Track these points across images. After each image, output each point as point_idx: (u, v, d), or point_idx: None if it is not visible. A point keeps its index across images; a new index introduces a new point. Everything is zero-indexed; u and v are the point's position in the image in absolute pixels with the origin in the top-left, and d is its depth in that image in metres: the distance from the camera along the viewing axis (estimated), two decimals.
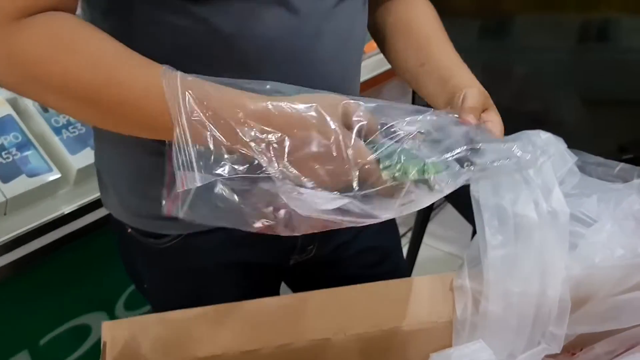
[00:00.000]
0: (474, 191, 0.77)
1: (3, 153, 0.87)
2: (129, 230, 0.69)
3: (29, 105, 0.94)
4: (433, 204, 1.31)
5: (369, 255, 0.81)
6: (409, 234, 1.95)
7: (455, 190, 0.75)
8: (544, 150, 0.80)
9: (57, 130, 0.93)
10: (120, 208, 0.69)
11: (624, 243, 0.72)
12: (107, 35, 0.49)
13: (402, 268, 0.88)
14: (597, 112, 1.23)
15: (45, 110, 0.94)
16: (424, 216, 1.27)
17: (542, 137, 0.82)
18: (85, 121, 0.70)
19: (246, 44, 0.55)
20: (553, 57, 1.21)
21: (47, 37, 0.47)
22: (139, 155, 0.64)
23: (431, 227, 1.97)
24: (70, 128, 0.94)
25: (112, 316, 1.08)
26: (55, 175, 0.90)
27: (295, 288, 0.86)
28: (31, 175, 0.88)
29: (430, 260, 1.78)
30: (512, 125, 0.82)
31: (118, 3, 0.56)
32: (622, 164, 0.89)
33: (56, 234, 0.90)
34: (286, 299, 0.75)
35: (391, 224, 0.85)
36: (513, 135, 0.82)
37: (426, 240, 1.85)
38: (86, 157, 0.92)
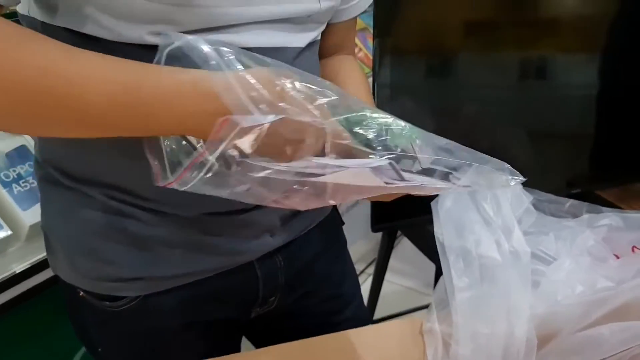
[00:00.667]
0: (438, 234, 0.78)
1: None
2: (81, 293, 0.66)
3: None
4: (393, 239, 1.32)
5: (331, 303, 0.81)
6: (369, 269, 1.96)
7: (415, 227, 0.76)
8: (502, 192, 0.84)
9: (7, 184, 0.89)
10: (70, 271, 0.65)
11: (583, 279, 0.75)
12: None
13: (364, 313, 0.88)
14: (544, 148, 1.29)
15: None
16: (387, 251, 1.29)
17: None
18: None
19: None
20: (497, 94, 1.26)
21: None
22: (92, 216, 0.62)
23: (390, 261, 1.99)
24: (21, 182, 0.90)
25: None
26: (5, 233, 0.86)
27: (257, 342, 0.84)
28: None
29: (391, 295, 1.78)
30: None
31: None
32: (571, 200, 0.94)
33: (6, 295, 0.86)
34: (252, 355, 0.73)
35: (350, 273, 0.85)
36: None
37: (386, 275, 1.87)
38: (39, 212, 0.87)
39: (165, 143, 0.47)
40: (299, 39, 0.62)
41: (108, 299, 0.65)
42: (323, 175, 0.46)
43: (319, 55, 0.77)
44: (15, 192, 0.89)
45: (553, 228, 0.84)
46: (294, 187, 0.46)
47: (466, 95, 1.21)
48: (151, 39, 0.52)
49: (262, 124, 0.41)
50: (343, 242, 0.85)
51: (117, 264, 0.63)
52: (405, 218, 0.95)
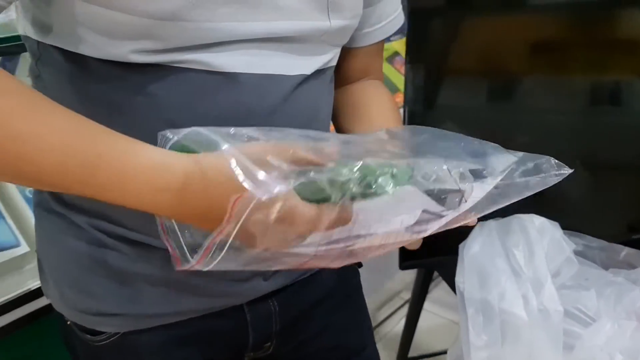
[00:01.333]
0: (459, 281, 0.71)
1: None
2: (68, 322, 0.64)
3: None
4: (433, 273, 1.24)
5: (334, 354, 0.74)
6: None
7: (445, 266, 0.69)
8: (538, 239, 0.75)
9: (30, 202, 0.90)
10: (58, 299, 0.63)
11: (625, 347, 0.65)
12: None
13: None
14: (605, 183, 1.17)
15: None
16: (422, 287, 1.21)
17: (536, 223, 0.76)
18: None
19: (192, 119, 0.49)
20: (561, 120, 1.17)
21: None
22: (76, 245, 0.60)
23: (435, 293, 1.89)
24: None
25: None
26: (23, 250, 0.86)
27: None
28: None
29: (432, 327, 1.69)
30: None
31: (49, 69, 0.54)
32: (627, 249, 0.83)
33: (21, 311, 0.86)
34: None
35: (359, 321, 0.78)
36: (504, 220, 0.77)
37: (428, 306, 1.78)
38: None
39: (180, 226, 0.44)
40: (304, 63, 0.57)
41: (89, 332, 0.63)
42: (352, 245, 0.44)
43: (343, 82, 0.72)
44: None
45: (597, 283, 0.74)
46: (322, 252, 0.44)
47: (528, 121, 1.13)
48: (135, 57, 0.49)
49: (277, 193, 0.37)
50: (354, 286, 0.78)
51: (97, 297, 0.60)
52: (434, 256, 0.87)
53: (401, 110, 0.97)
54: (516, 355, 0.64)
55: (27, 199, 0.90)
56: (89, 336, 0.62)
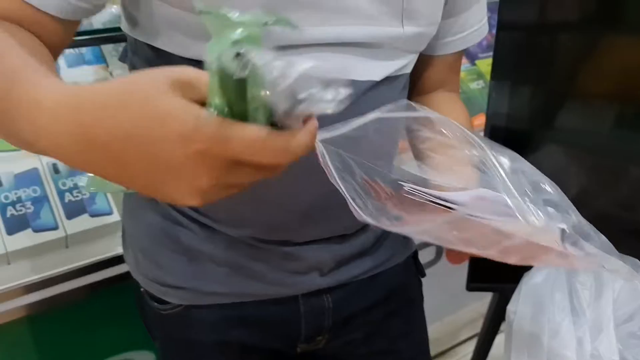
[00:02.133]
0: (510, 311, 0.68)
1: (74, 191, 0.94)
2: (142, 289, 0.70)
3: None
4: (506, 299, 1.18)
5: (382, 358, 0.74)
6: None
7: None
8: (610, 279, 0.69)
9: None
10: (134, 266, 0.70)
11: None
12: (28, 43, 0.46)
13: None
14: None
15: None
16: (495, 313, 1.15)
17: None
18: None
19: None
20: None
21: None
22: (153, 219, 0.66)
23: None
24: None
25: (158, 357, 1.11)
26: (114, 218, 0.95)
27: None
28: (94, 215, 0.94)
29: None
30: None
31: (144, 64, 0.59)
32: None
33: (109, 272, 0.95)
34: None
35: (414, 329, 0.77)
36: None
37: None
38: None
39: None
40: (373, 69, 0.57)
41: (157, 301, 0.69)
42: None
43: (419, 91, 0.71)
44: None
45: None
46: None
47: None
48: None
49: None
50: (414, 295, 0.78)
51: (165, 269, 0.66)
52: (503, 282, 0.83)
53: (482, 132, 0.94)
54: None
55: None
56: (156, 304, 0.68)
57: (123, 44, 1.11)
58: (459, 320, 1.74)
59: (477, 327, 1.78)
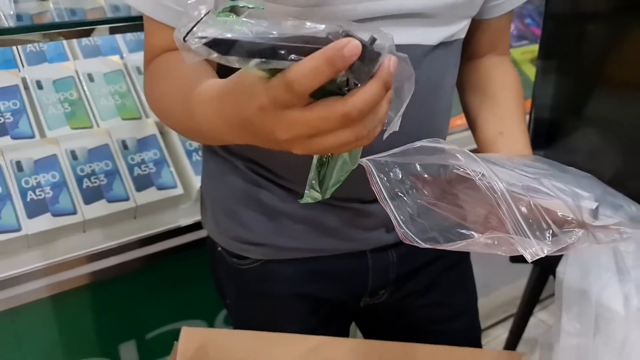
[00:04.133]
0: (560, 272, 0.73)
1: (142, 166, 1.01)
2: (219, 248, 0.77)
3: None
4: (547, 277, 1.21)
5: (439, 310, 0.80)
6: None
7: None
8: None
9: (189, 153, 1.06)
10: (214, 228, 0.77)
11: None
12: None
13: (474, 331, 0.85)
14: None
15: None
16: (535, 286, 1.20)
17: None
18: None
19: None
20: None
21: (152, 71, 0.60)
22: (235, 181, 0.72)
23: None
24: (200, 152, 1.06)
25: (211, 326, 1.18)
26: (179, 192, 1.02)
27: (364, 330, 0.88)
28: (160, 188, 1.01)
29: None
30: None
31: None
32: None
33: (172, 242, 1.02)
34: (353, 343, 0.77)
35: (467, 284, 0.84)
36: None
37: (544, 317, 1.72)
38: None
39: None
40: (430, 35, 0.63)
41: (236, 257, 0.75)
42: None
43: (470, 55, 0.76)
44: (194, 160, 1.06)
45: None
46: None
47: None
48: None
49: None
50: (465, 254, 0.84)
51: (248, 227, 0.73)
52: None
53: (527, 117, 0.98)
54: (607, 349, 0.65)
55: (187, 152, 1.07)
56: (235, 260, 0.75)
57: None
58: (492, 303, 1.79)
59: (508, 311, 1.83)
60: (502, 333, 1.70)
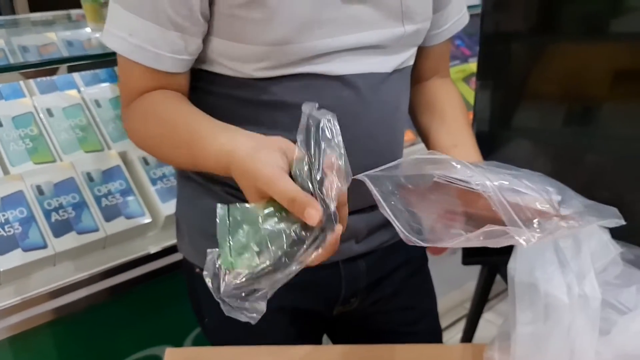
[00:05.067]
0: (510, 268, 0.82)
1: (109, 197, 1.04)
2: (197, 270, 0.81)
3: (135, 158, 1.11)
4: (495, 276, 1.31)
5: (404, 313, 0.87)
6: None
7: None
8: (586, 239, 0.85)
9: (154, 181, 1.09)
10: (192, 251, 0.81)
11: None
12: (180, 104, 0.68)
13: (436, 331, 0.93)
14: None
15: (146, 162, 1.11)
16: (484, 287, 1.30)
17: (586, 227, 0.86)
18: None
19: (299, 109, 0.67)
20: (636, 148, 1.22)
21: (138, 112, 0.68)
22: (212, 204, 0.76)
23: (500, 307, 1.95)
24: (164, 180, 1.10)
25: None
26: (147, 220, 1.05)
27: (335, 338, 0.93)
28: (128, 217, 1.03)
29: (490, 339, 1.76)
30: None
31: (200, 83, 0.72)
32: None
33: (140, 270, 1.05)
34: (331, 350, 0.83)
35: (428, 288, 0.91)
36: None
37: (491, 317, 1.83)
38: (174, 206, 1.06)
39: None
40: (385, 64, 0.71)
41: None
42: None
43: (417, 79, 0.84)
44: (159, 187, 1.09)
45: (638, 281, 0.83)
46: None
47: (604, 147, 1.19)
48: (257, 74, 0.66)
49: None
50: (424, 260, 0.91)
51: None
52: (497, 255, 0.96)
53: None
54: (556, 333, 0.74)
55: (152, 180, 1.10)
56: None
57: None
58: (442, 307, 1.89)
59: (458, 314, 1.93)
60: (454, 335, 1.80)
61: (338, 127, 0.53)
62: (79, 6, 1.27)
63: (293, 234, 0.51)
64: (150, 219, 1.05)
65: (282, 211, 0.51)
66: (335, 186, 0.51)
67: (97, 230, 1.00)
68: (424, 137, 0.83)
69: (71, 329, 1.02)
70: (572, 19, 1.06)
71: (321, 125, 0.52)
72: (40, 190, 0.99)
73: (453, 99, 0.84)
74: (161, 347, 1.19)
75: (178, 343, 1.20)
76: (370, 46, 0.69)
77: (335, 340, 0.93)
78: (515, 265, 0.82)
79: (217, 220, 0.54)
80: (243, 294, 0.51)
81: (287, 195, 0.51)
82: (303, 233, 0.51)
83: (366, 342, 0.80)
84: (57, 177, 1.02)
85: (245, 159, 0.55)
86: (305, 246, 0.51)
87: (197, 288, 0.83)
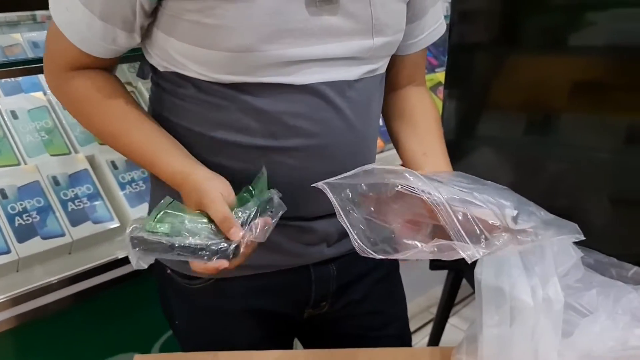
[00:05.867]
0: (477, 273, 0.84)
1: (76, 201, 1.02)
2: (169, 271, 0.80)
3: (103, 162, 1.10)
4: (461, 280, 1.34)
5: (375, 317, 0.88)
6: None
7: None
8: (549, 244, 0.88)
9: (123, 186, 1.08)
10: None
11: (617, 336, 0.76)
12: (125, 98, 0.72)
13: (406, 336, 0.94)
14: (628, 214, 1.27)
15: (115, 167, 1.10)
16: (450, 291, 1.32)
17: None
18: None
19: (277, 117, 0.68)
20: (594, 156, 1.26)
21: (92, 85, 0.70)
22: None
23: (464, 312, 1.99)
24: (133, 184, 1.08)
25: None
26: (115, 224, 1.04)
27: (304, 341, 0.94)
28: (96, 222, 1.02)
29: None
30: None
31: (170, 85, 0.72)
32: (636, 268, 0.93)
33: (110, 275, 1.03)
34: (300, 354, 0.83)
35: (398, 293, 0.92)
36: None
37: (456, 322, 1.87)
38: (143, 210, 1.05)
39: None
40: (352, 72, 0.72)
41: (187, 278, 0.79)
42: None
43: (393, 87, 0.85)
44: (128, 192, 1.08)
45: (599, 285, 0.86)
46: None
47: (563, 155, 1.23)
48: (225, 78, 0.67)
49: None
50: (394, 265, 0.93)
51: None
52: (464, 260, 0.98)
53: None
54: (521, 335, 0.76)
55: (120, 184, 1.08)
56: (187, 281, 0.78)
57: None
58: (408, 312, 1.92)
59: (424, 319, 1.96)
60: (421, 339, 1.83)
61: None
62: (44, 7, 1.24)
63: (204, 238, 0.62)
64: (119, 223, 1.04)
65: (210, 224, 0.63)
66: (257, 232, 0.63)
67: (62, 235, 0.98)
68: (396, 143, 0.84)
69: (35, 336, 1.00)
70: (533, 32, 1.10)
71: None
72: (3, 194, 0.97)
73: (426, 107, 0.85)
74: (128, 354, 1.17)
75: (146, 350, 1.18)
76: (339, 57, 0.70)
77: (306, 344, 0.94)
78: (482, 270, 0.84)
79: (160, 202, 0.65)
80: (139, 247, 0.61)
81: (223, 215, 0.62)
82: (209, 243, 0.61)
83: (336, 346, 0.80)
84: (21, 181, 0.99)
85: (202, 180, 0.66)
86: (203, 252, 0.61)
87: (168, 290, 0.83)
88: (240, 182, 0.68)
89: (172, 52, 0.68)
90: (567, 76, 1.15)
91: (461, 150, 1.13)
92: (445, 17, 0.90)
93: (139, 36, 0.69)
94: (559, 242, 0.88)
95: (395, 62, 0.82)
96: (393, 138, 0.85)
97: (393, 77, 0.84)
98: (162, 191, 0.79)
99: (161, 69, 0.72)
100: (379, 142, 1.60)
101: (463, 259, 0.89)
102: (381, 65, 0.77)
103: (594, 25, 1.12)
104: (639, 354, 0.73)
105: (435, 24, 0.84)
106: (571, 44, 1.15)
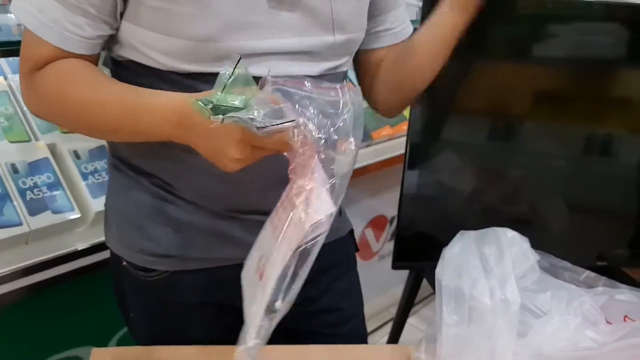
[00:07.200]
0: (438, 273, 0.86)
1: (35, 190, 0.99)
2: (124, 263, 0.79)
3: (64, 150, 1.07)
4: (421, 281, 1.36)
5: (329, 314, 0.88)
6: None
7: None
8: (507, 247, 0.90)
9: (85, 176, 1.06)
10: (119, 243, 0.79)
11: (568, 336, 0.79)
12: (97, 71, 0.68)
13: (362, 334, 0.95)
14: (583, 220, 1.31)
15: (77, 156, 1.07)
16: (411, 291, 1.34)
17: (508, 235, 0.92)
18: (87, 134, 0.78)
19: None
20: (553, 163, 1.30)
21: (54, 73, 0.66)
22: (142, 197, 0.75)
23: (423, 312, 2.03)
24: (96, 175, 1.06)
25: None
26: (75, 215, 1.01)
27: None
28: (55, 212, 0.99)
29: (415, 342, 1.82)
30: (497, 223, 0.92)
31: (129, 74, 0.71)
32: (587, 272, 0.97)
33: (68, 266, 1.01)
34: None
35: (355, 291, 0.93)
36: (482, 230, 0.92)
37: (415, 322, 1.90)
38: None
39: None
40: (313, 67, 0.72)
41: (143, 270, 0.78)
42: None
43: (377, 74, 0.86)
44: (90, 182, 1.05)
45: (553, 287, 0.89)
46: None
47: (522, 162, 1.26)
48: (183, 67, 0.67)
49: None
50: (353, 263, 0.94)
51: (154, 240, 0.76)
52: (427, 260, 1.00)
53: (404, 139, 1.12)
54: (479, 335, 0.78)
55: (82, 175, 1.06)
56: (142, 272, 0.77)
57: None
58: (367, 312, 1.94)
59: (383, 319, 1.98)
60: (379, 338, 1.85)
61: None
62: None
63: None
64: (79, 214, 1.02)
65: None
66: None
67: (20, 224, 0.95)
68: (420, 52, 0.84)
69: None
70: (498, 41, 1.13)
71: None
72: None
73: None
74: (84, 348, 1.15)
75: (102, 344, 1.16)
76: (299, 52, 0.70)
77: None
78: (442, 270, 0.86)
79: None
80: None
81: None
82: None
83: (293, 342, 0.81)
84: None
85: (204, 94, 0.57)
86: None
87: (123, 282, 0.82)
88: (204, 173, 0.67)
89: (134, 41, 0.67)
90: (529, 85, 1.19)
91: (426, 154, 1.15)
92: (415, 21, 0.92)
93: (107, 25, 0.67)
94: (518, 246, 0.91)
95: (362, 61, 0.83)
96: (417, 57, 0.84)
97: (372, 66, 0.85)
98: (120, 180, 0.78)
99: (121, 60, 0.71)
100: (388, 129, 1.61)
101: (426, 259, 0.90)
102: (343, 63, 0.77)
103: (557, 37, 1.15)
104: (590, 354, 0.76)
105: (403, 24, 0.86)
106: (534, 54, 1.18)
